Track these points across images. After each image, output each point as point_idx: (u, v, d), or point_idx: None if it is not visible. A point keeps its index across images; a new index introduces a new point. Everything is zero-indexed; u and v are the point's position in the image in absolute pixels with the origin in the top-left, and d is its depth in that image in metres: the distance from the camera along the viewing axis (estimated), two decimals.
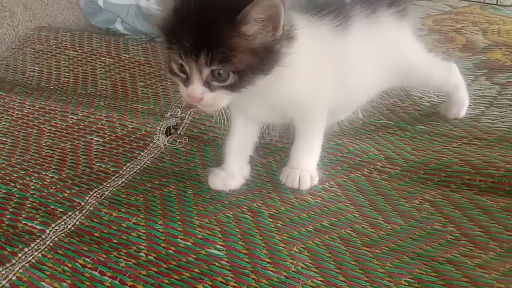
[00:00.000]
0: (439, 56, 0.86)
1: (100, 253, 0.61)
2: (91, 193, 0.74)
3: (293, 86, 0.66)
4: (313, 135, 0.73)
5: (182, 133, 0.91)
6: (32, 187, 0.76)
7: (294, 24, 0.62)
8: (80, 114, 0.95)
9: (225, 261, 0.59)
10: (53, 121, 0.95)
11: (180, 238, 0.63)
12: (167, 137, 0.89)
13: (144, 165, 0.81)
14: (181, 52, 0.58)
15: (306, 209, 0.69)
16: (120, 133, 0.90)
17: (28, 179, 0.78)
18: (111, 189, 0.75)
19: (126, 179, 0.77)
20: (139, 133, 0.89)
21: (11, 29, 1.33)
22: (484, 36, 1.34)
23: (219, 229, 0.64)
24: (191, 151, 0.85)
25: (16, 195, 0.74)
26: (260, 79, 0.61)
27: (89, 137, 0.90)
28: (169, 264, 0.59)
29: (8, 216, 0.69)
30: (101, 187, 0.75)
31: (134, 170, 0.80)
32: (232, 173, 0.73)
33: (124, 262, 0.60)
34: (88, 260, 0.60)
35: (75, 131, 0.92)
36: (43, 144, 0.89)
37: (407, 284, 0.55)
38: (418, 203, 0.69)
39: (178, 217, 0.67)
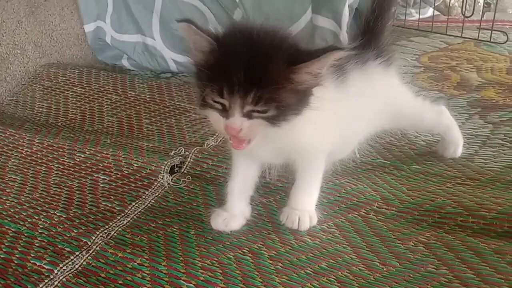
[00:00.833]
0: (428, 100, 0.91)
1: None
2: (98, 232, 0.77)
3: (304, 129, 0.70)
4: (313, 177, 0.77)
5: (185, 171, 0.94)
6: (41, 226, 0.79)
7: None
8: (87, 152, 0.99)
9: None
10: (61, 159, 0.99)
11: (183, 280, 0.65)
12: (171, 175, 0.92)
13: (149, 204, 0.84)
14: (225, 89, 0.60)
15: (305, 251, 0.71)
16: (126, 172, 0.93)
17: (36, 217, 0.81)
18: (116, 228, 0.78)
19: (131, 219, 0.80)
20: (144, 172, 0.93)
21: (21, 65, 1.38)
22: (478, 74, 1.38)
23: (221, 271, 0.67)
24: (194, 190, 0.88)
25: (25, 234, 0.77)
26: (292, 118, 0.64)
27: (95, 175, 0.93)
28: None
29: (17, 256, 0.72)
30: (107, 226, 0.78)
31: (139, 210, 0.83)
32: (234, 214, 0.76)
33: None
34: None
35: (82, 169, 0.96)
36: (51, 182, 0.92)
37: None
38: (413, 244, 0.72)
39: (181, 258, 0.70)
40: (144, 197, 0.87)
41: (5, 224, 0.80)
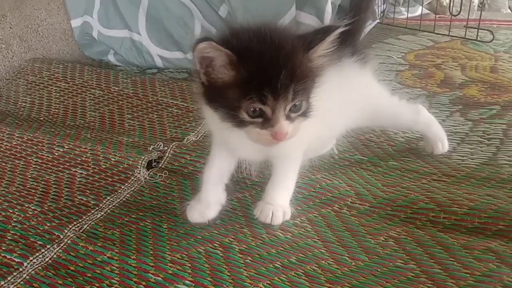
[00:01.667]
0: (404, 99, 0.91)
1: (74, 287, 0.64)
2: (71, 226, 0.77)
3: None
4: (289, 172, 0.77)
5: (163, 166, 0.94)
6: (14, 219, 0.79)
7: None
8: (66, 147, 0.99)
9: None
10: (40, 153, 0.98)
11: (151, 273, 0.66)
12: (148, 170, 0.92)
13: (124, 199, 0.84)
14: (268, 94, 0.60)
15: (276, 245, 0.71)
16: (104, 166, 0.93)
17: (11, 211, 0.81)
18: (89, 222, 0.78)
19: (105, 213, 0.80)
20: (121, 166, 0.93)
21: (6, 60, 1.38)
22: (462, 72, 1.38)
23: (190, 265, 0.67)
24: (170, 184, 0.88)
25: None
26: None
27: (73, 170, 0.93)
28: None
29: None
30: (80, 220, 0.78)
31: (114, 204, 0.83)
32: (208, 202, 0.76)
33: None
34: None
35: (60, 163, 0.96)
36: (29, 176, 0.92)
37: None
38: (383, 239, 0.72)
39: (151, 252, 0.70)
40: (119, 191, 0.87)
41: None
